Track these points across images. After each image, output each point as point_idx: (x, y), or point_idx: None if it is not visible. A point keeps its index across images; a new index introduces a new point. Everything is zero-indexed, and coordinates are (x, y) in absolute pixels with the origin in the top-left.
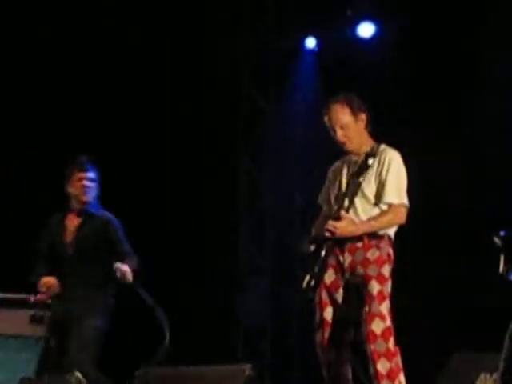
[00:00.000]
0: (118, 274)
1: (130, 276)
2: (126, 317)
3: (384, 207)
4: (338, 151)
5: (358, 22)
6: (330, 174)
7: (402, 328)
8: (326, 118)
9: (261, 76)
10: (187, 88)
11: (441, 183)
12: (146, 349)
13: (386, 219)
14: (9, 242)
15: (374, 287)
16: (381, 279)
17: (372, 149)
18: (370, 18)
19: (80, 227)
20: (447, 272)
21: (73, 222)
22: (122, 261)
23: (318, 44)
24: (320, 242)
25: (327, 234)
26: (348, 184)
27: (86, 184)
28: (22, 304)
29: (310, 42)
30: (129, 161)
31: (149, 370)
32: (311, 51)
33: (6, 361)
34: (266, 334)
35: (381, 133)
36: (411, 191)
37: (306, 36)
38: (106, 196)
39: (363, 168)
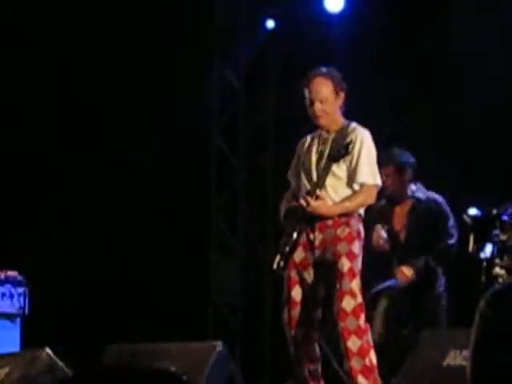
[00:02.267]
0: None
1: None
2: (98, 292)
3: (356, 187)
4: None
5: None
6: (299, 149)
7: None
8: (305, 90)
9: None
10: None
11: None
12: (116, 324)
13: (359, 200)
14: None
15: (345, 264)
16: (351, 256)
17: (343, 127)
18: None
19: (409, 213)
20: None
21: (402, 210)
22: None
23: (279, 23)
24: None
25: (300, 205)
26: (318, 161)
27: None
28: None
29: (270, 23)
30: None
31: (119, 345)
32: (270, 31)
33: None
34: (238, 310)
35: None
36: None
37: (266, 16)
38: None
39: (333, 147)
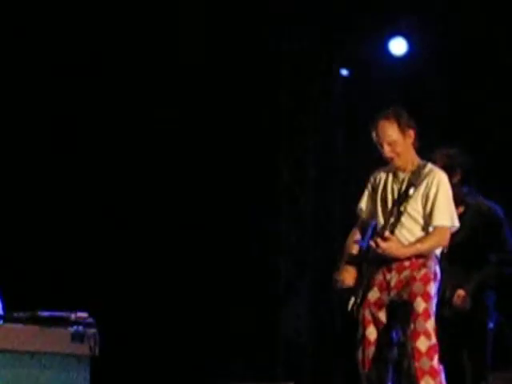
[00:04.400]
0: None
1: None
2: (167, 333)
3: (431, 229)
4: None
5: (389, 39)
6: (371, 183)
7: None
8: (373, 134)
9: (300, 96)
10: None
11: None
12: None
13: (431, 242)
14: (49, 262)
15: (420, 305)
16: (426, 297)
17: (418, 167)
18: (401, 34)
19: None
20: None
21: None
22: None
23: (351, 70)
24: (362, 260)
25: (372, 248)
26: (394, 201)
27: None
28: (64, 321)
29: (344, 71)
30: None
31: None
32: (345, 77)
33: (47, 379)
34: (307, 350)
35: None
36: None
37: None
38: None
39: (409, 187)
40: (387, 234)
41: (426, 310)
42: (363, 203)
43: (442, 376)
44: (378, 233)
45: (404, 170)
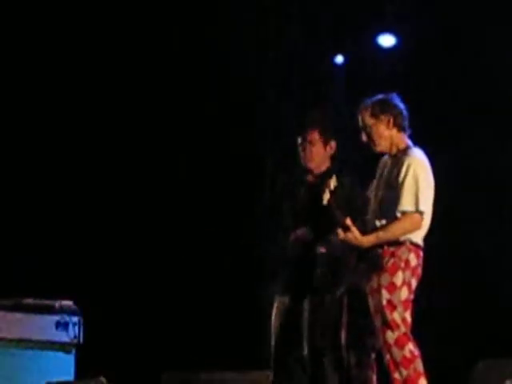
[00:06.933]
0: None
1: None
2: (152, 320)
3: (398, 215)
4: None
5: (379, 34)
6: (378, 168)
7: (426, 336)
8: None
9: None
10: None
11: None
12: (171, 352)
13: (396, 228)
14: (34, 249)
15: (384, 297)
16: (390, 288)
17: (400, 151)
18: (391, 30)
19: None
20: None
21: None
22: None
23: (345, 58)
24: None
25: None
26: (377, 187)
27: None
28: (49, 309)
29: (339, 58)
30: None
31: (174, 373)
32: (340, 66)
33: (31, 366)
34: None
35: None
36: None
37: (333, 52)
38: None
39: (389, 172)
40: (348, 221)
41: (390, 302)
42: (370, 191)
43: (417, 362)
44: (339, 222)
45: (389, 155)
